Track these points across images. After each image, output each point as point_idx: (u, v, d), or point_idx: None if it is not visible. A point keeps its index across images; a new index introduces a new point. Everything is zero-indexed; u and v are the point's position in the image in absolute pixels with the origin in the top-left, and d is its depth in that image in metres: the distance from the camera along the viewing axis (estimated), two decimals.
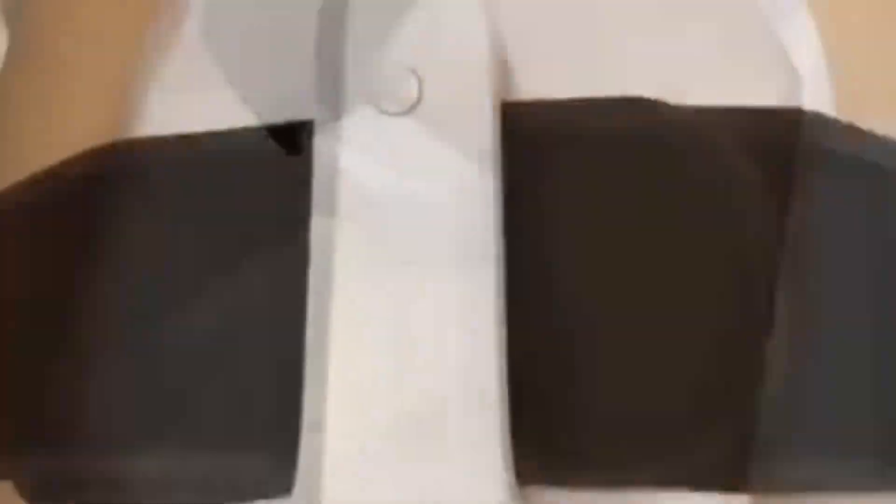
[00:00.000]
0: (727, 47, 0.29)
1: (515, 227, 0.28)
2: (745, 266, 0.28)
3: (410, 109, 0.27)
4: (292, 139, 0.29)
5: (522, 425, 0.27)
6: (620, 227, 0.28)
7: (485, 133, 0.28)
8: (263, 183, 0.29)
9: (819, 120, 0.29)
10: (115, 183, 0.31)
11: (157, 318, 0.30)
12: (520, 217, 0.28)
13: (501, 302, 0.27)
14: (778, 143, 0.29)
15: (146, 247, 0.30)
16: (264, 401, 0.28)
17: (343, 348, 0.27)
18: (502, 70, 0.29)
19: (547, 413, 0.27)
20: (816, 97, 0.30)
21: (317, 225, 0.28)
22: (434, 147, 0.27)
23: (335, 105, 0.28)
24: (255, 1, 0.30)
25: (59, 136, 0.33)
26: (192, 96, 0.31)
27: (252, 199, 0.29)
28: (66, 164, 0.31)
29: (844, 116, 0.30)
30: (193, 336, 0.29)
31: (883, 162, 0.29)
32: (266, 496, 0.27)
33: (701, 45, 0.29)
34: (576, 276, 0.28)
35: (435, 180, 0.27)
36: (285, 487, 0.27)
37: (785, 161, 0.29)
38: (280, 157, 0.29)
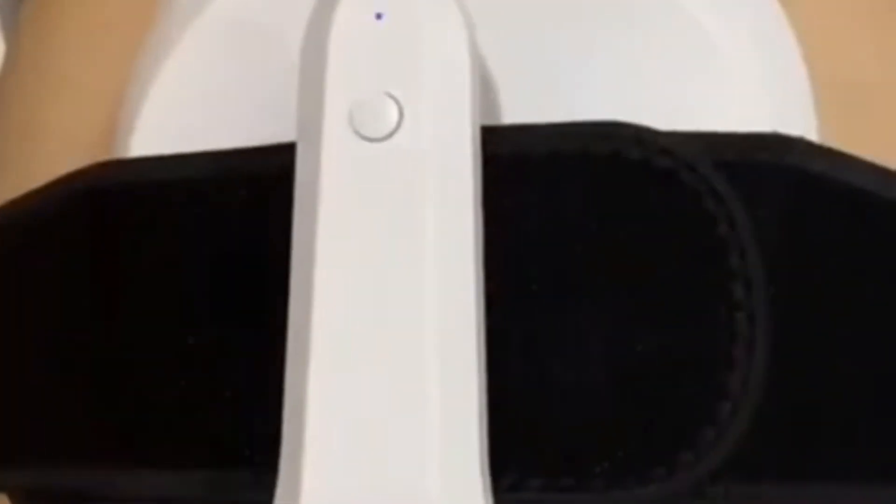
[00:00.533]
0: (699, 73, 0.30)
1: (496, 251, 0.28)
2: (721, 290, 0.28)
3: (389, 135, 0.28)
4: (276, 162, 0.29)
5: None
6: (595, 249, 0.28)
7: (465, 159, 0.28)
8: (249, 206, 0.30)
9: (799, 144, 0.29)
10: (104, 203, 0.31)
11: (137, 336, 0.30)
12: (500, 241, 0.28)
13: (481, 333, 0.27)
14: (755, 166, 0.29)
15: (132, 266, 0.30)
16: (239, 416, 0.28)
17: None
18: (484, 96, 0.29)
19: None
20: (797, 122, 0.30)
21: (296, 246, 0.28)
22: (413, 174, 0.27)
23: (316, 129, 0.28)
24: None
25: (53, 149, 0.33)
26: (185, 114, 0.31)
27: (236, 224, 0.30)
28: (58, 183, 0.32)
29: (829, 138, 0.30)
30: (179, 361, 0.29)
31: (866, 186, 0.29)
32: None
33: (669, 73, 0.30)
34: (552, 306, 0.28)
35: (414, 208, 0.27)
36: None
37: (761, 185, 0.29)
38: (265, 181, 0.29)
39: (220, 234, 0.30)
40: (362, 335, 0.27)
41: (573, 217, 0.29)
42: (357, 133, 0.28)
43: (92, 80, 0.34)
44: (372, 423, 0.27)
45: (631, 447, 0.28)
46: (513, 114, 0.30)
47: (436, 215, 0.27)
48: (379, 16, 0.28)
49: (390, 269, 0.27)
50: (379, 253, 0.27)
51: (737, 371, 0.28)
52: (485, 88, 0.29)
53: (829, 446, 0.28)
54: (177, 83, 0.31)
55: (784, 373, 0.28)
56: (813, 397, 0.28)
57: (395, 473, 0.26)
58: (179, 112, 0.31)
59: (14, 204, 0.32)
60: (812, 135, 0.30)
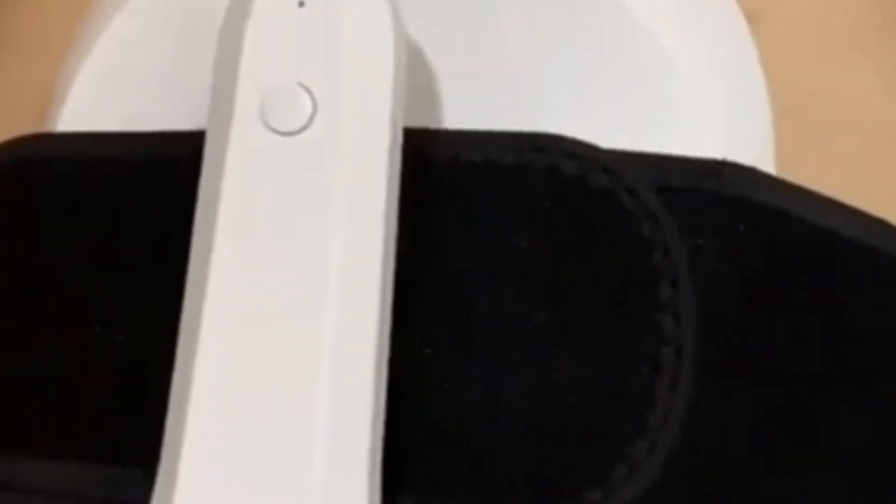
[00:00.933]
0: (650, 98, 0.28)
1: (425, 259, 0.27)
2: (650, 322, 0.27)
3: (301, 129, 0.26)
4: (188, 148, 0.27)
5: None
6: (522, 266, 0.27)
7: (380, 160, 0.26)
8: (156, 191, 0.28)
9: (747, 174, 0.27)
10: (23, 177, 0.30)
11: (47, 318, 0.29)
12: (430, 249, 0.27)
13: (383, 345, 0.26)
14: (698, 194, 0.27)
15: (36, 241, 0.29)
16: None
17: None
18: (415, 88, 0.28)
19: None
20: (751, 148, 0.28)
21: (195, 241, 0.26)
22: (322, 174, 0.26)
23: (225, 119, 0.26)
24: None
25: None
26: (116, 88, 0.30)
27: (144, 210, 0.28)
28: None
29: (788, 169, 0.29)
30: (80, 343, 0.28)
31: (814, 219, 0.27)
32: None
33: (618, 85, 0.28)
34: (474, 311, 0.27)
35: (320, 210, 0.26)
36: None
37: (703, 214, 0.27)
38: (175, 167, 0.28)
39: (123, 221, 0.28)
40: (252, 339, 0.25)
41: (505, 230, 0.27)
42: (267, 125, 0.26)
43: (40, 39, 0.32)
44: (255, 427, 0.25)
45: (538, 480, 0.26)
46: (453, 110, 0.29)
47: (343, 220, 0.26)
48: (301, 3, 0.26)
49: (288, 273, 0.26)
50: (278, 255, 0.26)
51: (658, 408, 0.26)
52: (419, 80, 0.28)
53: (740, 491, 0.26)
54: (111, 58, 0.30)
55: (705, 411, 0.26)
56: (729, 437, 0.26)
57: (274, 483, 0.25)
58: (110, 87, 0.30)
59: None
60: (767, 163, 0.28)
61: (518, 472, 0.26)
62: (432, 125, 0.28)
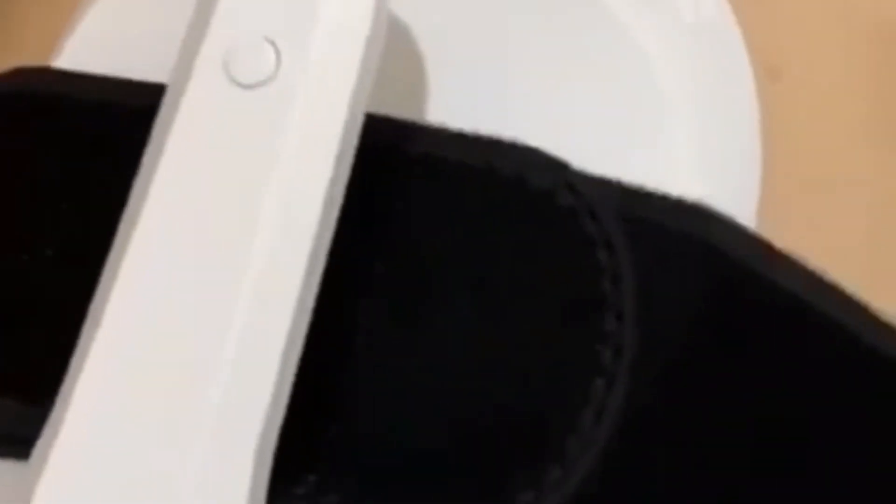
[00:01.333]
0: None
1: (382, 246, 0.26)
2: (589, 350, 0.25)
3: (260, 84, 0.25)
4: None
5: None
6: (475, 265, 0.26)
7: (334, 129, 0.25)
8: (123, 136, 0.27)
9: (715, 221, 0.26)
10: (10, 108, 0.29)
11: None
12: (389, 237, 0.26)
13: (302, 318, 0.25)
14: (660, 230, 0.26)
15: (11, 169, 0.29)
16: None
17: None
18: (392, 80, 0.27)
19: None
20: (731, 193, 0.27)
21: (135, 188, 0.25)
22: (270, 132, 0.25)
23: (188, 68, 0.25)
24: None
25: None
26: (122, 28, 0.30)
27: (106, 151, 0.28)
28: None
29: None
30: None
31: (781, 282, 0.26)
32: None
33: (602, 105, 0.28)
34: (408, 319, 0.26)
35: (260, 169, 0.25)
36: None
37: (661, 251, 0.26)
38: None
39: (89, 160, 0.28)
40: (167, 291, 0.24)
41: (465, 232, 0.26)
42: (228, 75, 0.25)
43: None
44: (151, 381, 0.24)
45: (470, 482, 0.25)
46: (437, 102, 0.28)
47: (282, 183, 0.25)
48: None
49: (216, 226, 0.25)
50: (210, 206, 0.25)
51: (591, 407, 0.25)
52: (404, 67, 0.28)
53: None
54: (109, 13, 0.30)
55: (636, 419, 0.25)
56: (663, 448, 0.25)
57: (157, 446, 0.23)
58: (116, 25, 0.30)
59: None
60: (746, 209, 0.27)
61: (449, 473, 0.25)
62: (414, 114, 0.28)
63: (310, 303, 0.25)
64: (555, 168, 0.26)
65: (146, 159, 0.25)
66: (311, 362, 0.25)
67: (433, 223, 0.26)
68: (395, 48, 0.27)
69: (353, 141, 0.25)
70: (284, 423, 0.24)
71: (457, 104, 0.28)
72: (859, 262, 0.28)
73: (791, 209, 0.28)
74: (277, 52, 0.25)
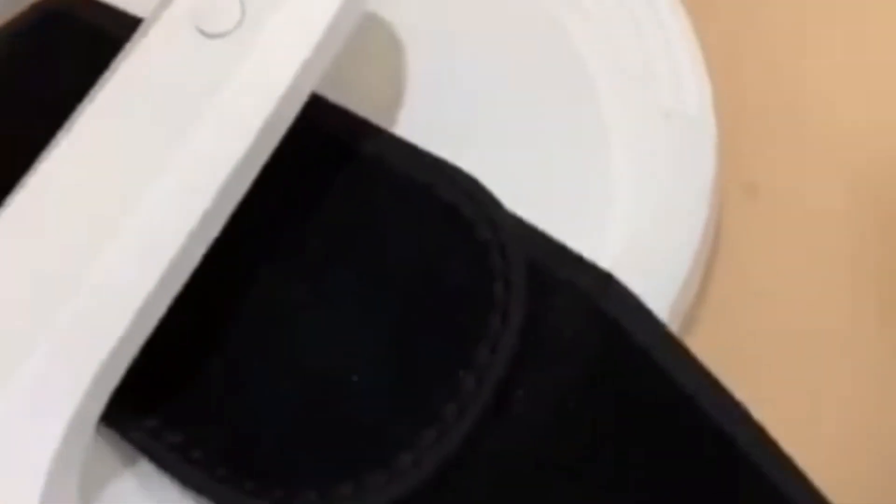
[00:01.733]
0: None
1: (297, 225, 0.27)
2: (454, 379, 0.25)
3: (220, 35, 0.25)
4: None
5: None
6: (383, 272, 0.27)
7: (279, 87, 0.25)
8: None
9: (625, 298, 0.26)
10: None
11: None
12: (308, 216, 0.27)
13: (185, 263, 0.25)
14: (558, 280, 0.26)
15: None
16: None
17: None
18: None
19: None
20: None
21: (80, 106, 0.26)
22: (224, 75, 0.25)
23: (160, 10, 0.26)
24: None
25: None
26: None
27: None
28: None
29: None
30: None
31: (672, 375, 0.26)
32: None
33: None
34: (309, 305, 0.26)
35: (199, 107, 0.25)
36: None
37: (554, 300, 0.26)
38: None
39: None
40: (66, 201, 0.25)
41: (384, 239, 0.27)
42: (195, 25, 0.26)
43: None
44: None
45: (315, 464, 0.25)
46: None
47: (208, 132, 0.25)
48: None
49: (132, 153, 0.25)
50: (138, 129, 0.25)
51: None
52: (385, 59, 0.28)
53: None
54: None
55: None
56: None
57: None
58: None
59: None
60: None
61: (294, 452, 0.25)
62: (384, 112, 0.28)
63: (198, 249, 0.25)
64: (482, 200, 0.26)
65: (99, 81, 0.26)
66: (205, 308, 0.26)
67: (362, 221, 0.27)
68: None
69: (294, 106, 0.26)
70: (152, 362, 0.25)
71: (425, 118, 0.28)
72: None
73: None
74: (243, 9, 0.26)
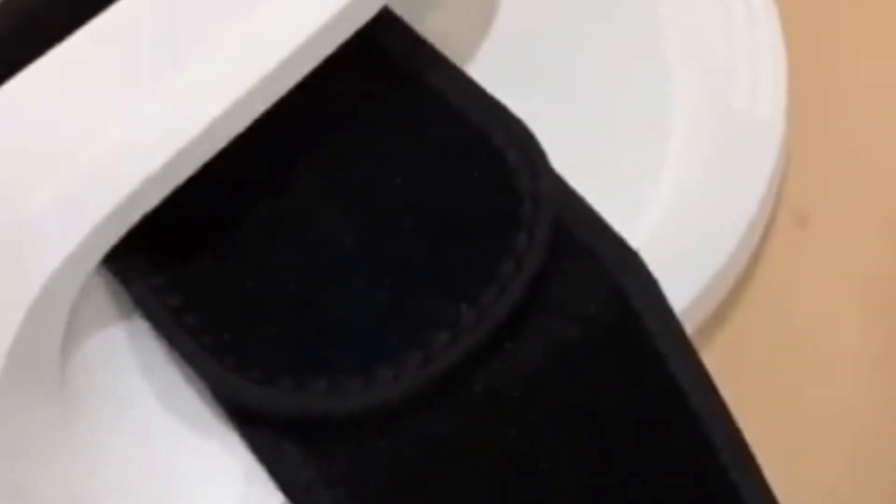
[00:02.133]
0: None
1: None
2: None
3: None
4: None
5: None
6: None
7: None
8: None
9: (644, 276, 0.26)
10: None
11: None
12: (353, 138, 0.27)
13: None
14: (588, 252, 0.26)
15: None
16: None
17: None
18: None
19: None
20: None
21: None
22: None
23: None
24: None
25: None
26: None
27: None
28: None
29: None
30: None
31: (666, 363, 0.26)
32: None
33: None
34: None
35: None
36: None
37: (573, 286, 0.26)
38: None
39: None
40: (104, 62, 0.25)
41: (429, 160, 0.27)
42: None
43: None
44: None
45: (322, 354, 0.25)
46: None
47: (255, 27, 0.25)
48: None
49: (175, 40, 0.25)
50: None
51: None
52: None
53: None
54: None
55: None
56: None
57: None
58: None
59: None
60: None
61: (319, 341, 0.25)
62: (461, 49, 0.28)
63: (233, 126, 0.25)
64: (531, 154, 0.26)
65: None
66: (235, 188, 0.26)
67: (404, 135, 0.27)
68: None
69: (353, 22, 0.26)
70: (171, 225, 0.25)
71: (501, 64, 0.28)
72: None
73: None
74: None
